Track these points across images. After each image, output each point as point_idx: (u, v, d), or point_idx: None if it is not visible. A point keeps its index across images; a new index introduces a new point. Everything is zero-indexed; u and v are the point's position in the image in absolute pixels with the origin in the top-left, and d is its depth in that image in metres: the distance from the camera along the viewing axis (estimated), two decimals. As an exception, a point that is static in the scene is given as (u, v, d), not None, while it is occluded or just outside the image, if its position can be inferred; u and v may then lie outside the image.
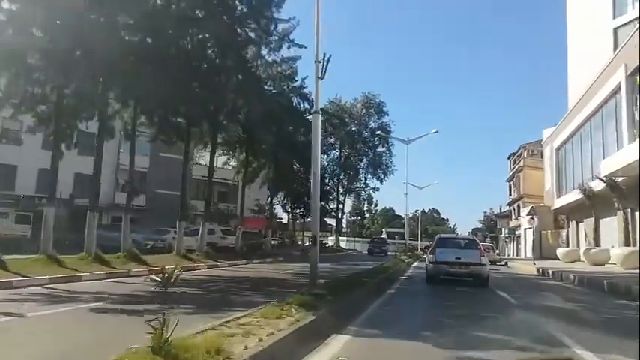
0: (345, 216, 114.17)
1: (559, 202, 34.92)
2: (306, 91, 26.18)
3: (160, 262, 16.39)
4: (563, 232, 37.15)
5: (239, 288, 11.19)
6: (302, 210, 47.50)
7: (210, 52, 20.58)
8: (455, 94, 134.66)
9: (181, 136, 20.34)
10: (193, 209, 43.23)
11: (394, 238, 70.93)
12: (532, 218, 26.07)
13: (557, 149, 35.82)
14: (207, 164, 31.48)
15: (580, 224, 33.22)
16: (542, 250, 43.57)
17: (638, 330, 6.00)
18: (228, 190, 46.35)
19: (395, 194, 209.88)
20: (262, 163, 27.81)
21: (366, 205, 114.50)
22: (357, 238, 78.00)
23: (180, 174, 43.13)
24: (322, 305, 6.59)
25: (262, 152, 26.12)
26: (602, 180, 21.69)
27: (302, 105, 27.02)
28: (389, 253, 38.53)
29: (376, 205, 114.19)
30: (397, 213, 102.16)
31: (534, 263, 26.07)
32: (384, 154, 49.32)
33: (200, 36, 19.37)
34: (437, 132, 32.74)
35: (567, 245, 32.36)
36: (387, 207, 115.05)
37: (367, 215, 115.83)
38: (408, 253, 37.98)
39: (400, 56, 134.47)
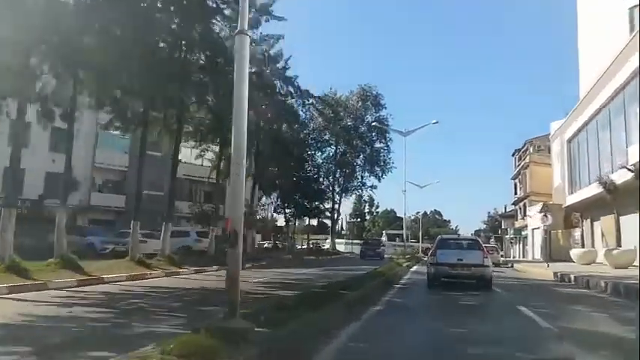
0: (343, 217, 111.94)
1: (571, 199, 31.97)
2: (290, 73, 23.27)
3: (103, 270, 13.62)
4: (577, 232, 34.19)
5: (166, 307, 8.30)
6: (293, 210, 44.65)
7: (174, 26, 17.74)
8: (456, 89, 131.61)
9: (140, 122, 17.49)
10: (177, 210, 40.51)
11: (395, 240, 68.07)
12: (545, 215, 23.15)
13: (569, 140, 32.88)
14: (185, 159, 28.67)
15: (595, 222, 30.30)
16: (551, 252, 40.75)
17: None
18: (215, 190, 43.52)
19: (396, 196, 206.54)
20: None
21: (367, 206, 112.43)
22: (355, 241, 75.00)
23: (164, 173, 40.27)
24: (233, 352, 3.73)
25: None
26: (629, 169, 18.77)
27: (285, 89, 23.97)
28: (386, 256, 35.58)
29: (377, 207, 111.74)
30: (398, 215, 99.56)
31: (548, 266, 23.21)
32: (381, 150, 46.43)
33: (160, 4, 16.54)
34: (437, 122, 29.89)
35: (582, 246, 29.39)
36: (389, 209, 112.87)
37: (368, 217, 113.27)
38: (407, 256, 35.09)
39: (398, 50, 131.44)
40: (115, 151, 37.38)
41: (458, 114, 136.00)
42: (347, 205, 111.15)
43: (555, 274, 18.39)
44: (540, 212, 23.69)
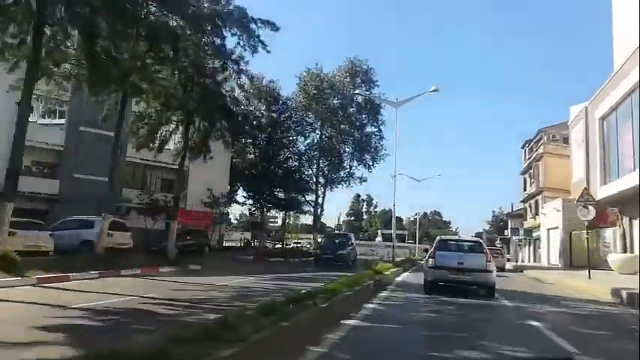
0: (338, 215, 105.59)
1: (605, 192, 25.38)
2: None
3: None
4: (607, 232, 27.71)
5: None
6: (260, 201, 38.06)
7: None
8: (458, 76, 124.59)
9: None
10: (125, 199, 33.97)
11: (391, 241, 61.84)
12: (585, 207, 16.64)
13: (603, 118, 26.33)
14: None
15: (635, 221, 23.82)
16: (572, 256, 34.28)
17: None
18: (175, 177, 37.00)
19: (396, 195, 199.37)
20: (166, 116, 17.83)
21: (365, 205, 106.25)
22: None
23: (108, 155, 33.76)
24: None
25: (169, 101, 16.31)
26: None
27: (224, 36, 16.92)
28: (366, 257, 28.74)
29: (375, 207, 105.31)
30: (397, 215, 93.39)
31: (590, 277, 16.73)
32: (372, 136, 39.69)
33: None
34: (436, 90, 23.28)
35: (624, 250, 22.86)
36: (387, 208, 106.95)
37: (365, 216, 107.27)
38: (400, 259, 28.71)
39: (398, 27, 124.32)
40: (48, 126, 30.92)
41: (462, 105, 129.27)
42: (344, 203, 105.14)
43: (616, 292, 11.82)
44: (578, 202, 17.15)
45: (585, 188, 18.36)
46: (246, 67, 18.18)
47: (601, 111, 26.51)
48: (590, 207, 16.83)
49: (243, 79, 20.84)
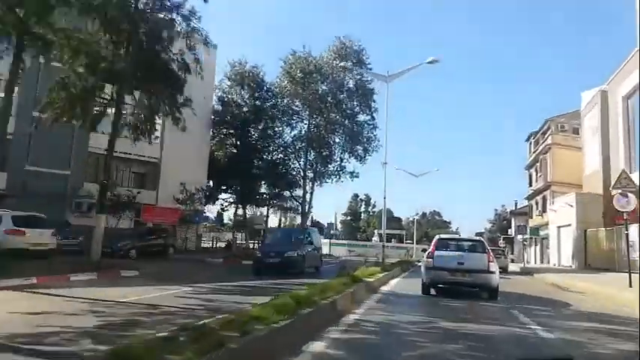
0: (335, 215, 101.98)
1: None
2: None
3: None
4: (633, 229, 24.04)
5: None
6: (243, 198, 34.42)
7: None
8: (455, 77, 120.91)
9: None
10: (88, 195, 30.29)
11: (390, 241, 59.17)
12: (623, 194, 13.01)
13: (628, 97, 22.76)
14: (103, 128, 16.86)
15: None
16: (587, 256, 30.79)
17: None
18: (147, 171, 33.40)
19: (394, 195, 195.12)
20: (92, 82, 14.03)
21: (363, 205, 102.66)
22: (344, 241, 65.16)
23: (68, 145, 29.73)
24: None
25: (94, 61, 12.63)
26: None
27: None
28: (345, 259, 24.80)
29: (374, 207, 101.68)
30: (396, 215, 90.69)
31: (631, 285, 13.07)
32: (365, 125, 35.97)
33: None
34: (434, 61, 19.62)
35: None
36: (386, 208, 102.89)
37: (363, 216, 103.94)
38: (392, 261, 25.12)
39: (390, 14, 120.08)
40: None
41: (463, 98, 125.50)
42: (342, 203, 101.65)
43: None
44: (614, 188, 13.54)
45: (624, 170, 14.70)
46: (199, 25, 14.63)
47: (625, 89, 22.93)
48: (630, 194, 13.19)
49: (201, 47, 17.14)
